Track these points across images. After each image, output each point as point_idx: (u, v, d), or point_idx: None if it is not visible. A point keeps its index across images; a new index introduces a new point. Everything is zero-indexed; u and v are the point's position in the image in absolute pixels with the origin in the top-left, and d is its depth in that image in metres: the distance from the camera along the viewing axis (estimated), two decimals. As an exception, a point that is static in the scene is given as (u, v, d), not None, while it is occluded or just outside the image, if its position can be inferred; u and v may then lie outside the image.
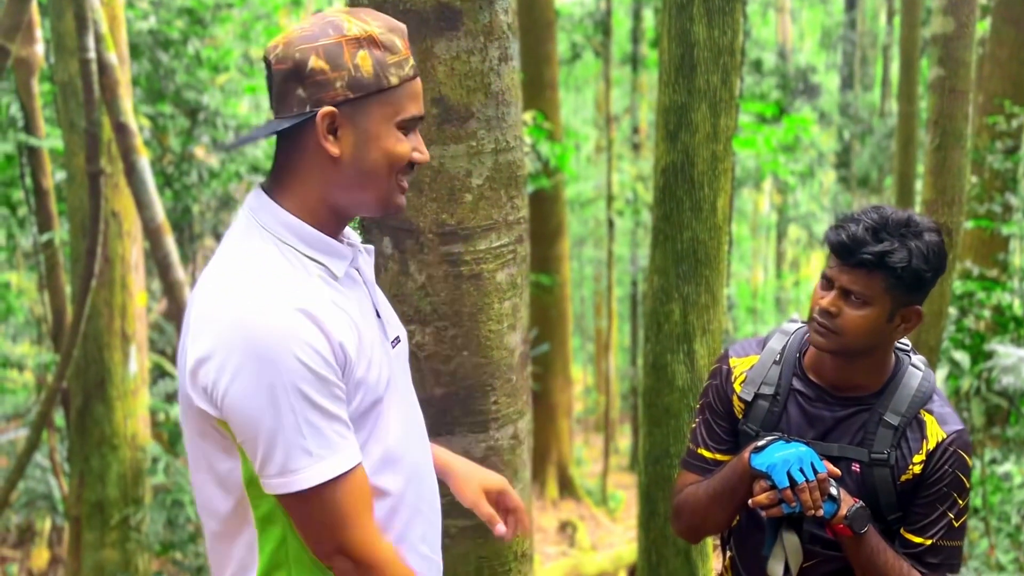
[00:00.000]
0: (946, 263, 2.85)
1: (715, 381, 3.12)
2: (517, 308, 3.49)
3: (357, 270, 2.43)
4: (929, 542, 2.86)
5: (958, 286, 8.81)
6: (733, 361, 3.09)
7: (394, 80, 2.25)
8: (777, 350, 3.05)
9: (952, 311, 8.54)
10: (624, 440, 22.61)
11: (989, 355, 7.96)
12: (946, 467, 2.83)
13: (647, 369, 4.33)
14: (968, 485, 2.87)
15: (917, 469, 2.84)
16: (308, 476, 2.17)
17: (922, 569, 2.86)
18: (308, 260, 2.28)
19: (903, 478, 2.85)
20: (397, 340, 2.52)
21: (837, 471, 2.78)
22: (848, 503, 2.75)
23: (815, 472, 2.70)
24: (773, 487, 2.73)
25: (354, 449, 2.23)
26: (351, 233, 2.52)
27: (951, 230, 4.60)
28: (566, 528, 14.28)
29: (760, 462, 2.75)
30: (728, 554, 3.27)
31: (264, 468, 2.18)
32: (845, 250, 2.74)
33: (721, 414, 3.09)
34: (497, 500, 2.80)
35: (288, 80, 2.23)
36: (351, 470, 2.21)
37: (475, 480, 2.79)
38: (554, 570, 12.03)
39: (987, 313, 9.02)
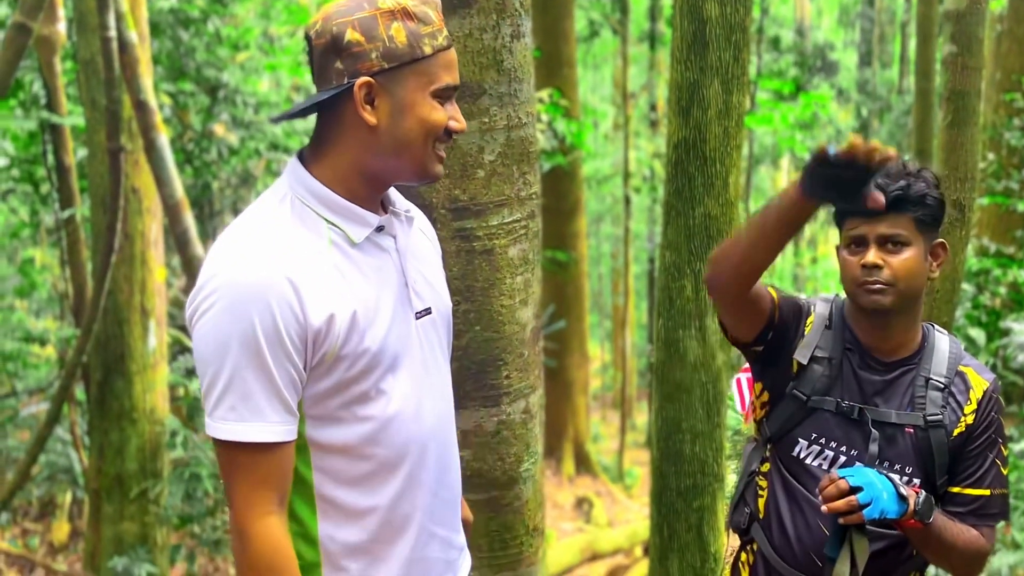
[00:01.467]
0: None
1: (791, 317, 3.02)
2: (529, 283, 3.50)
3: (394, 237, 2.47)
4: (988, 492, 2.90)
5: (974, 263, 8.78)
6: (807, 319, 3.03)
7: (428, 50, 2.30)
8: (825, 316, 3.03)
9: (968, 288, 8.51)
10: (641, 417, 22.61)
11: (1005, 332, 7.93)
12: (992, 413, 2.90)
13: (659, 344, 4.33)
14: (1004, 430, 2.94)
15: (970, 419, 2.89)
16: (224, 428, 2.24)
17: (982, 523, 2.90)
18: (325, 223, 2.34)
19: (955, 432, 2.88)
20: (427, 311, 2.53)
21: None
22: (913, 497, 2.73)
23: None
24: (852, 491, 2.66)
25: (282, 428, 2.27)
26: (400, 201, 2.57)
27: (964, 206, 4.58)
28: (582, 504, 14.31)
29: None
30: (740, 540, 3.22)
31: (205, 405, 2.28)
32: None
33: (788, 336, 3.01)
34: None
35: (327, 54, 2.30)
36: (266, 445, 2.25)
37: None
38: (570, 546, 12.06)
39: (1003, 290, 8.98)
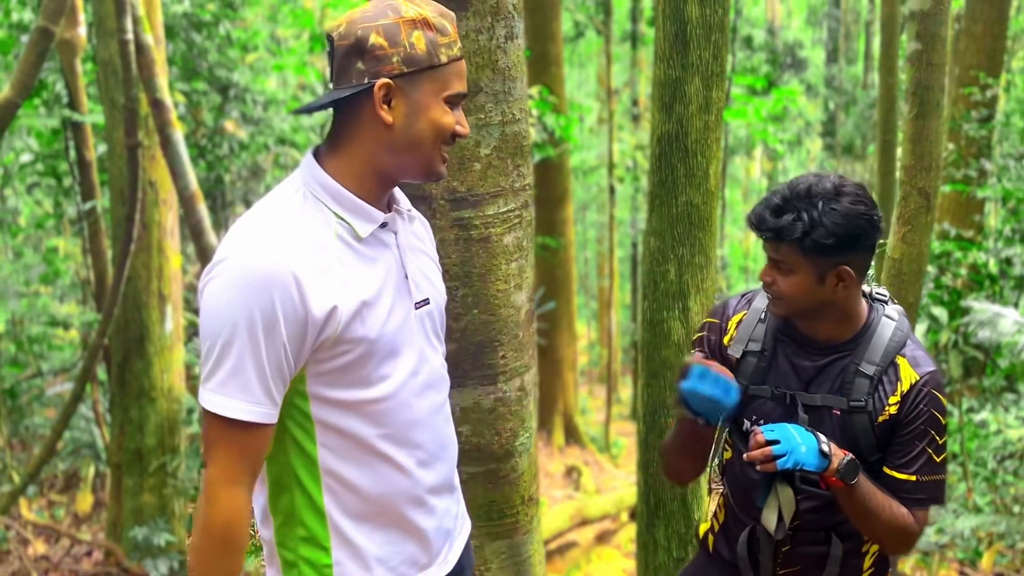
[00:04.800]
0: (863, 223, 2.77)
1: (711, 336, 3.12)
2: (523, 269, 3.48)
3: (395, 233, 2.49)
4: (913, 478, 2.86)
5: (936, 246, 8.79)
6: (729, 322, 3.10)
7: (443, 59, 2.35)
8: (762, 309, 3.06)
9: (931, 269, 8.52)
10: (626, 390, 22.62)
11: (966, 311, 7.94)
12: (921, 406, 2.84)
13: (645, 326, 4.31)
14: (944, 422, 2.88)
15: (893, 410, 2.85)
16: (214, 401, 2.25)
17: (909, 506, 2.87)
18: (334, 216, 2.36)
19: (880, 419, 2.86)
20: (425, 302, 2.56)
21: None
22: (839, 456, 2.75)
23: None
24: (769, 444, 2.71)
25: (261, 410, 2.27)
26: (403, 200, 2.61)
27: (929, 193, 4.57)
28: (572, 473, 14.30)
29: (689, 387, 2.84)
30: (720, 490, 3.29)
31: (202, 371, 2.29)
32: (753, 228, 2.82)
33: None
34: None
35: (349, 55, 2.32)
36: (246, 424, 2.26)
37: None
38: (560, 512, 12.06)
39: (963, 271, 9.00)
